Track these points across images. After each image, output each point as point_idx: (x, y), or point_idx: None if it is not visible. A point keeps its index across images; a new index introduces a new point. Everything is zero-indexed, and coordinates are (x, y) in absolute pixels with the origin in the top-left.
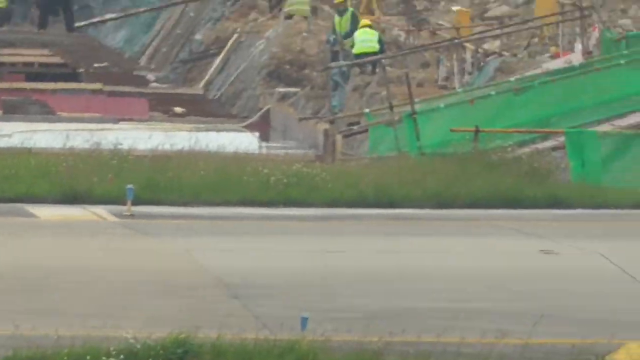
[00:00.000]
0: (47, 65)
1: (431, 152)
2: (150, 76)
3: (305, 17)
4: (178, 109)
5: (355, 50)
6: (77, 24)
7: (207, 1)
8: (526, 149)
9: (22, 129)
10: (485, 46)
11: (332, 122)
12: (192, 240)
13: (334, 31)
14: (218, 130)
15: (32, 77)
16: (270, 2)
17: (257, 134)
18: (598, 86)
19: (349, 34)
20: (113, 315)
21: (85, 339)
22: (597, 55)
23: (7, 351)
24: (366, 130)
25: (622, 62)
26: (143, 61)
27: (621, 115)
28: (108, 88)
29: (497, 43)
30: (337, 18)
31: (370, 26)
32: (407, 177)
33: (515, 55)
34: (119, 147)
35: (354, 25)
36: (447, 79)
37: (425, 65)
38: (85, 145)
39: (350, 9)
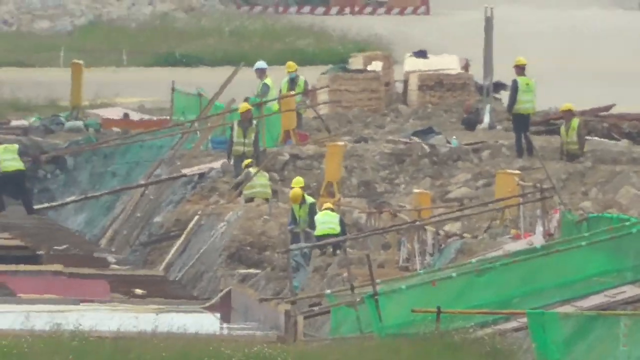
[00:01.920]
0: (7, 248)
1: (394, 332)
2: (111, 258)
3: (267, 200)
4: (139, 291)
5: (316, 232)
6: (37, 207)
7: (167, 184)
8: (488, 330)
9: None
10: (446, 228)
11: (293, 303)
12: None
13: (293, 217)
14: (179, 312)
15: None
16: (231, 185)
17: (218, 315)
18: (559, 268)
19: (307, 223)
20: None
21: None
22: (558, 237)
23: None
24: (328, 312)
25: (582, 244)
26: (103, 243)
27: (583, 297)
28: (68, 270)
29: (458, 225)
30: (295, 206)
31: (331, 209)
32: (369, 357)
33: (476, 237)
34: (79, 328)
35: (312, 216)
36: (408, 260)
37: (386, 246)
38: (45, 327)
39: (309, 200)
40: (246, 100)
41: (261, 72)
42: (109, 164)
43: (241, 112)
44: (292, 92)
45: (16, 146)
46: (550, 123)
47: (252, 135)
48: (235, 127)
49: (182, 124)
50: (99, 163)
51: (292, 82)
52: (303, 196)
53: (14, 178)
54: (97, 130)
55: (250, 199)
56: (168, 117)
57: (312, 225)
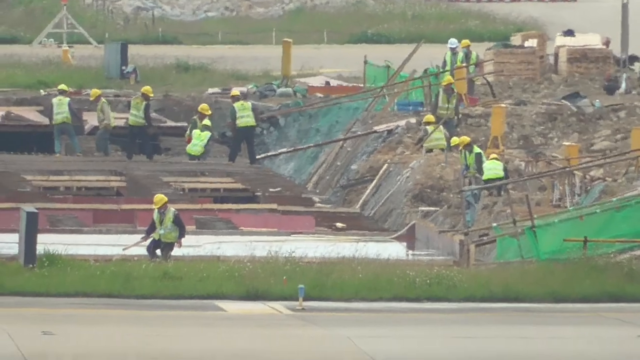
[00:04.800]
0: (231, 190)
1: (548, 258)
2: (316, 198)
3: (443, 150)
4: (339, 225)
5: (484, 177)
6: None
7: (361, 139)
8: (627, 255)
9: (211, 241)
10: (591, 173)
11: (466, 234)
12: (352, 329)
13: (466, 164)
14: (373, 242)
15: (218, 200)
16: (414, 139)
17: (404, 244)
18: None
19: (475, 169)
20: None
21: None
22: None
23: None
24: (494, 241)
25: None
26: (309, 187)
27: None
28: (282, 208)
29: (601, 171)
30: (465, 153)
31: (496, 158)
32: (529, 278)
33: (616, 180)
34: (292, 255)
35: (478, 163)
36: (560, 200)
37: (542, 188)
38: (263, 254)
39: (476, 150)
40: (426, 71)
41: (454, 48)
42: (313, 123)
43: (445, 84)
44: (465, 64)
45: (249, 104)
46: None
47: (454, 101)
48: (441, 94)
49: (374, 90)
50: (305, 122)
51: (466, 56)
52: (472, 146)
53: (247, 132)
54: (303, 96)
55: (429, 150)
56: (362, 85)
57: (479, 171)
